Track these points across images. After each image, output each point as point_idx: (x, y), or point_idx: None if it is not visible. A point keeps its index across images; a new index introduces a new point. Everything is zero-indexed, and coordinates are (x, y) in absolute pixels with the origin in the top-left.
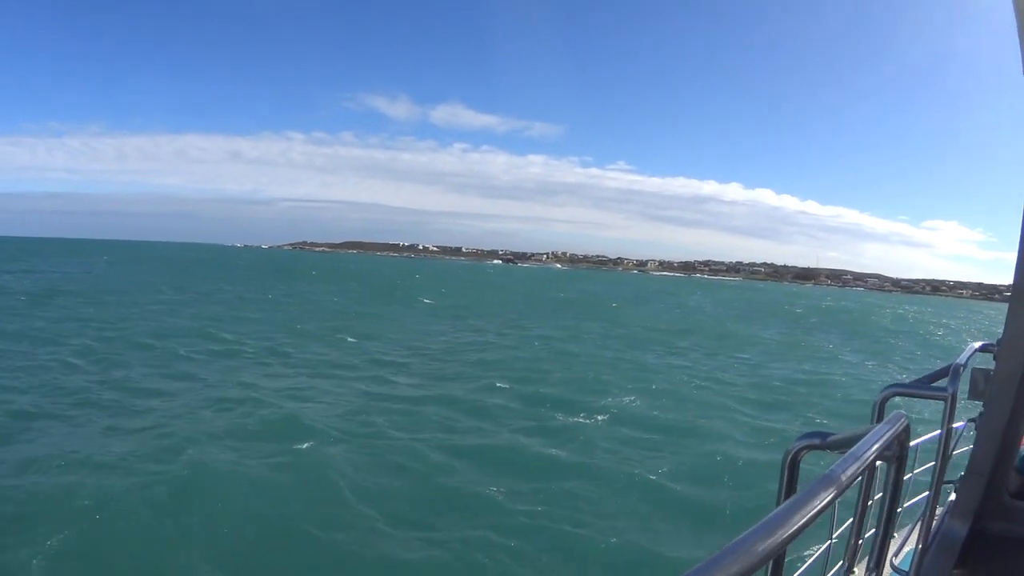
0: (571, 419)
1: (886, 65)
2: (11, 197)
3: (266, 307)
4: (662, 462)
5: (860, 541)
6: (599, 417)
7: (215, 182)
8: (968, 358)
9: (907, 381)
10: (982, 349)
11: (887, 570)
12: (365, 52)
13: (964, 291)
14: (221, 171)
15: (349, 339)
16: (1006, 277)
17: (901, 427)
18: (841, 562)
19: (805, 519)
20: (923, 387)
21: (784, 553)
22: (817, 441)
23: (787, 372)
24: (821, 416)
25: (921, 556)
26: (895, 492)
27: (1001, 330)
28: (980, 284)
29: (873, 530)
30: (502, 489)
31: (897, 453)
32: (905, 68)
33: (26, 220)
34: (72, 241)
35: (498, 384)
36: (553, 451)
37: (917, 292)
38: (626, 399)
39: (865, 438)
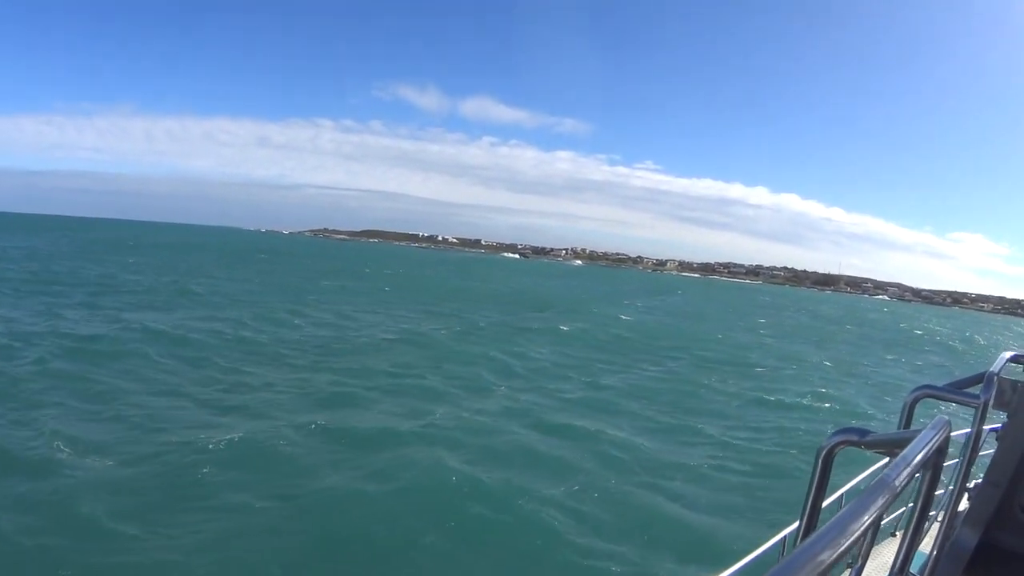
0: None
1: (918, 74)
2: (40, 175)
3: (89, 287)
4: None
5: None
6: None
7: (242, 166)
8: (1001, 367)
9: (939, 384)
10: (1013, 360)
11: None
12: (397, 42)
13: (986, 304)
14: (248, 156)
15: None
16: None
17: (945, 435)
18: (856, 562)
19: (864, 527)
20: (955, 392)
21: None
22: (855, 437)
23: (621, 434)
24: None
25: (935, 563)
26: (927, 501)
27: None
28: (1002, 298)
29: (900, 534)
30: None
31: (934, 460)
32: (935, 78)
33: (51, 198)
34: (84, 220)
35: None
36: None
37: (938, 303)
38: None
39: (915, 442)
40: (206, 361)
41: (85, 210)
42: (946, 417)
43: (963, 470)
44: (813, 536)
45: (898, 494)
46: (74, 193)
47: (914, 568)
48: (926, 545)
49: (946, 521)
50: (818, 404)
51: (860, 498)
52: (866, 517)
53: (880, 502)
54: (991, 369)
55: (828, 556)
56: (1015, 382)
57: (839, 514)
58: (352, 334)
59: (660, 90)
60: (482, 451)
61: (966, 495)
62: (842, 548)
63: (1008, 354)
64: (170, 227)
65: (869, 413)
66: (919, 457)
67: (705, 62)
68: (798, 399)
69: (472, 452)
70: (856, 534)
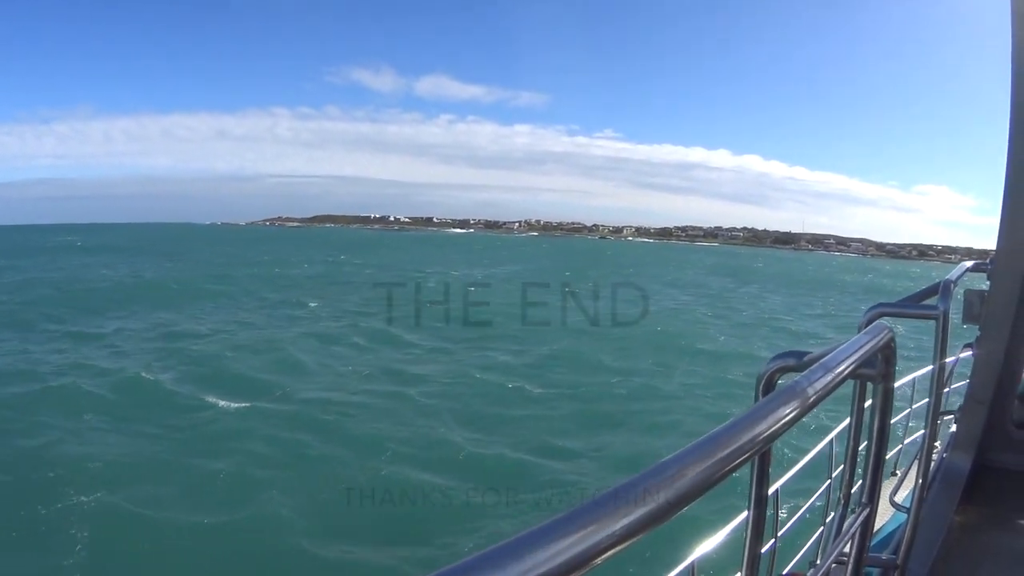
0: None
1: (874, 26)
2: (2, 187)
3: None
4: None
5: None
6: None
7: (202, 161)
8: (959, 276)
9: (894, 301)
10: (974, 269)
11: (888, 508)
12: (347, 25)
13: (953, 256)
14: (208, 150)
15: None
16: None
17: (883, 339)
18: (839, 500)
19: (759, 434)
20: (912, 306)
21: (765, 495)
22: (792, 361)
23: None
24: None
25: (922, 492)
26: (883, 416)
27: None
28: (970, 249)
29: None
30: None
31: (882, 371)
32: (892, 29)
33: (15, 208)
34: (29, 227)
35: None
36: None
37: (903, 257)
38: None
39: (839, 349)
40: None
41: (43, 217)
42: (886, 323)
43: (934, 390)
44: (687, 447)
45: (811, 406)
46: (35, 201)
47: (907, 502)
48: (912, 477)
49: (925, 445)
50: None
51: (757, 406)
52: (760, 427)
53: (782, 412)
54: (947, 278)
55: (699, 470)
56: (982, 292)
57: (726, 423)
58: None
59: (617, 57)
60: None
61: (952, 420)
62: (719, 458)
63: (969, 263)
64: (119, 227)
65: None
66: (845, 363)
67: (660, 26)
68: None
69: None
70: (742, 441)
